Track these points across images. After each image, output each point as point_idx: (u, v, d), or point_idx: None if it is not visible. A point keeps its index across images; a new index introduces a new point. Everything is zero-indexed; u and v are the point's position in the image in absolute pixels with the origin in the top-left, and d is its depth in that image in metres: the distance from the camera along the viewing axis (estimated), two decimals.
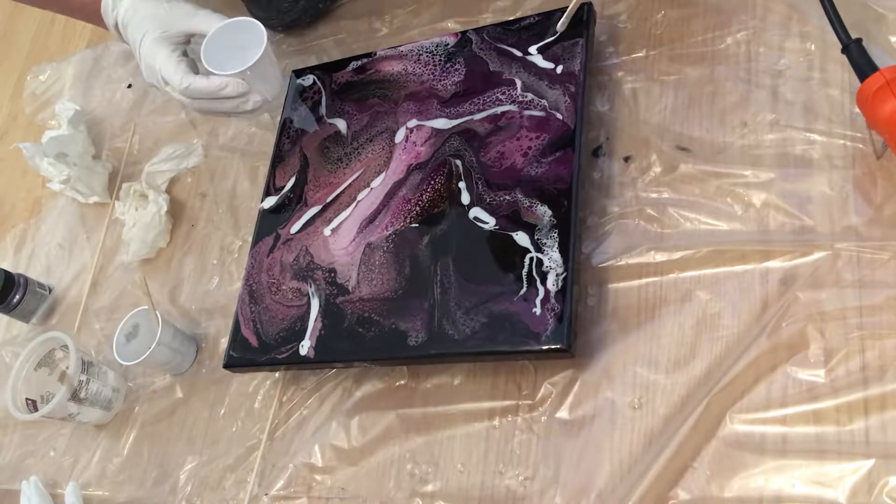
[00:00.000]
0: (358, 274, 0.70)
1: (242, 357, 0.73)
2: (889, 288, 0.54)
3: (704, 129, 0.66)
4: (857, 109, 0.60)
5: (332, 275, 0.72)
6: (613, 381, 0.61)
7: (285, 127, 0.84)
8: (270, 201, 0.80)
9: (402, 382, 0.69)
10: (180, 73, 0.73)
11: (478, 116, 0.72)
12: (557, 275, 0.61)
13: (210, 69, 0.73)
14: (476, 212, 0.67)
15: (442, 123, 0.74)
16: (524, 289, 0.62)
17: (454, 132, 0.72)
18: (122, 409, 0.84)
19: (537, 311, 0.60)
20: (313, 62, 0.90)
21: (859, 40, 0.58)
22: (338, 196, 0.76)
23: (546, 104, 0.69)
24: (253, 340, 0.73)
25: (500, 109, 0.71)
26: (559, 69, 0.70)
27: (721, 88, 0.67)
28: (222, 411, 0.78)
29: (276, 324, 0.72)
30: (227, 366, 0.74)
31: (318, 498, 0.69)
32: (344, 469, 0.68)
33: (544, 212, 0.64)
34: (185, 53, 0.76)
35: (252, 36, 0.74)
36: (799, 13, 0.67)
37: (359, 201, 0.74)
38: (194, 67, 0.75)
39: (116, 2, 0.78)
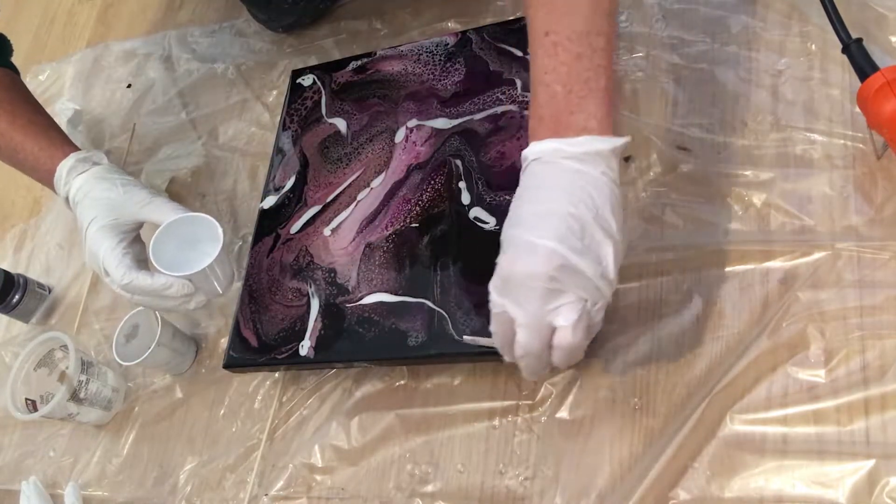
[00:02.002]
0: (358, 274, 0.70)
1: (242, 357, 0.73)
2: (889, 288, 0.54)
3: (705, 128, 0.66)
4: (857, 109, 0.60)
5: (332, 275, 0.72)
6: (613, 381, 0.61)
7: (285, 127, 0.84)
8: (270, 201, 0.80)
9: (402, 382, 0.69)
10: (123, 267, 0.68)
11: (478, 116, 0.72)
12: None
13: (157, 266, 0.69)
14: (476, 212, 0.67)
15: (442, 123, 0.74)
16: None
17: (454, 132, 0.72)
18: (122, 409, 0.84)
19: None
20: (313, 62, 0.90)
21: (860, 40, 0.58)
22: (338, 196, 0.76)
23: None
24: (253, 340, 0.73)
25: (500, 109, 0.71)
26: None
27: (721, 88, 0.67)
28: (222, 411, 0.78)
29: (276, 324, 0.72)
30: (227, 366, 0.74)
31: (318, 498, 0.68)
32: (344, 469, 0.68)
33: None
34: (133, 241, 0.72)
35: (208, 231, 0.71)
36: (799, 13, 0.67)
37: (359, 201, 0.74)
38: (139, 260, 0.71)
39: (70, 177, 0.74)
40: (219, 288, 0.72)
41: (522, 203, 0.51)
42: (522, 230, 0.50)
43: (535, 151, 0.51)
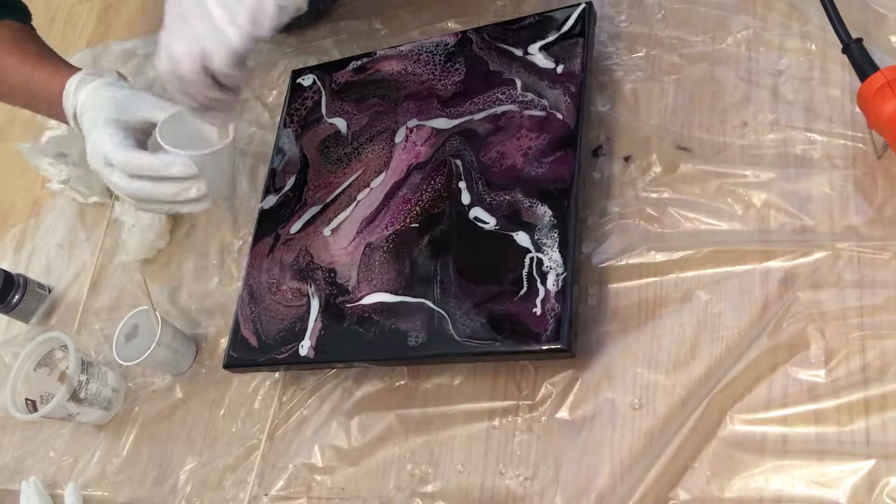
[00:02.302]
0: (358, 274, 0.70)
1: (242, 357, 0.73)
2: (889, 288, 0.54)
3: (705, 128, 0.66)
4: (857, 109, 0.59)
5: (332, 275, 0.72)
6: (613, 381, 0.61)
7: (285, 127, 0.84)
8: (270, 201, 0.80)
9: (402, 382, 0.69)
10: (123, 148, 0.66)
11: (478, 116, 0.72)
12: (557, 275, 0.61)
13: (161, 142, 0.66)
14: (476, 212, 0.67)
15: (442, 123, 0.74)
16: (524, 289, 0.62)
17: (454, 132, 0.72)
18: (122, 409, 0.84)
19: (537, 311, 0.60)
20: (313, 62, 0.90)
21: (860, 40, 0.58)
22: (338, 196, 0.76)
23: (546, 104, 0.69)
24: (253, 340, 0.73)
25: (500, 109, 0.71)
26: (559, 69, 0.70)
27: (721, 88, 0.67)
28: (222, 411, 0.78)
29: (275, 324, 0.72)
30: (226, 366, 0.74)
31: (318, 498, 0.68)
32: (344, 469, 0.68)
33: (544, 212, 0.64)
34: (139, 141, 0.69)
35: (222, 127, 0.68)
36: (799, 13, 0.67)
37: (359, 201, 0.74)
38: (142, 148, 0.69)
39: (79, 88, 0.72)
40: (221, 183, 0.69)
41: None
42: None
43: None
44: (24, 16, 0.85)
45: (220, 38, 0.57)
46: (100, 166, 0.68)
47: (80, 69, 0.75)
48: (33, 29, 0.85)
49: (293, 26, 0.96)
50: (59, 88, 0.74)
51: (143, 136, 0.71)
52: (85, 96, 0.72)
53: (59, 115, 0.75)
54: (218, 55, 0.58)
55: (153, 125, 0.69)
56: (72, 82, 0.73)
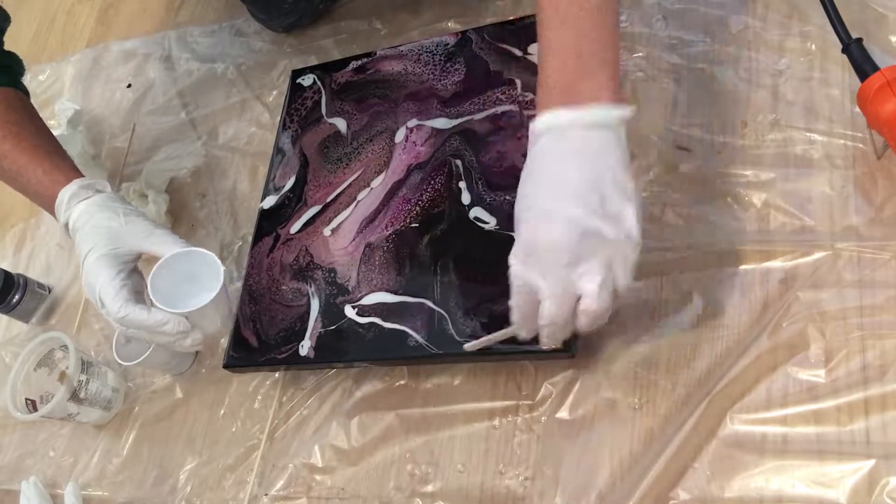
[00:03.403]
0: (358, 274, 0.70)
1: (242, 357, 0.73)
2: (889, 288, 0.54)
3: (705, 128, 0.66)
4: (857, 109, 0.59)
5: (332, 275, 0.72)
6: (613, 381, 0.61)
7: (285, 127, 0.84)
8: (270, 201, 0.80)
9: (402, 382, 0.69)
10: (119, 300, 0.66)
11: (478, 116, 0.72)
12: None
13: (154, 301, 0.67)
14: (476, 212, 0.67)
15: (442, 123, 0.74)
16: None
17: (454, 132, 0.72)
18: (122, 409, 0.84)
19: None
20: (313, 62, 0.90)
21: (860, 40, 0.58)
22: (338, 196, 0.76)
23: None
24: (253, 340, 0.73)
25: (500, 109, 0.71)
26: None
27: (721, 88, 0.67)
28: (222, 411, 0.78)
29: (275, 324, 0.72)
30: (226, 366, 0.74)
31: (318, 498, 0.68)
32: (344, 469, 0.68)
33: None
34: (132, 272, 0.70)
35: (207, 267, 0.69)
36: (799, 13, 0.67)
37: (359, 201, 0.74)
38: (136, 292, 0.69)
39: (70, 204, 0.72)
40: (217, 326, 0.70)
41: (536, 172, 0.50)
42: (541, 199, 0.49)
43: (547, 120, 0.50)
44: (16, 76, 0.83)
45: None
46: (94, 302, 0.69)
47: (75, 174, 0.74)
48: (26, 92, 0.83)
49: (293, 26, 0.96)
50: (51, 193, 0.74)
51: (135, 261, 0.72)
52: (77, 215, 0.72)
53: (50, 212, 0.75)
54: None
55: (144, 255, 0.71)
56: (64, 193, 0.72)
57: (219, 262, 0.68)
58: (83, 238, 0.70)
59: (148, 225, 0.71)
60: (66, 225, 0.73)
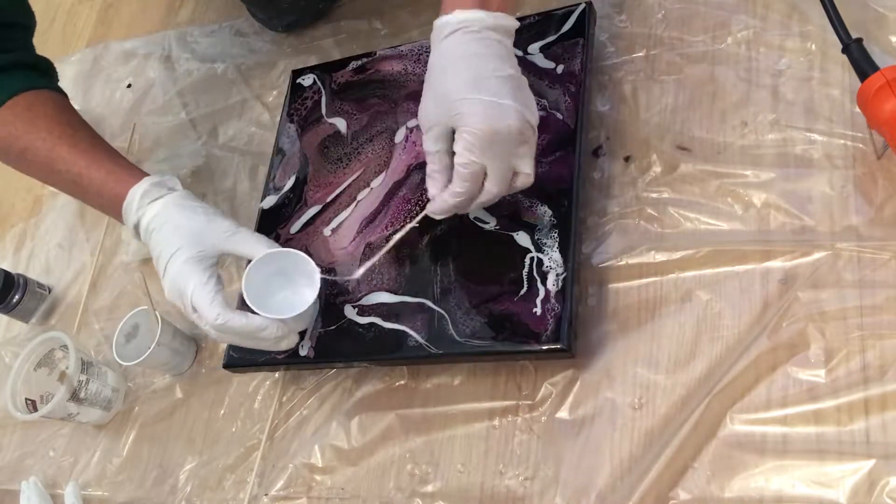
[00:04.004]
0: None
1: (242, 357, 0.73)
2: (889, 288, 0.54)
3: (705, 128, 0.66)
4: (857, 109, 0.59)
5: (332, 275, 0.72)
6: (614, 381, 0.61)
7: (285, 127, 0.84)
8: (270, 201, 0.80)
9: (402, 382, 0.69)
10: (217, 307, 0.63)
11: None
12: (558, 275, 0.61)
13: (252, 306, 0.64)
14: (476, 212, 0.67)
15: None
16: (524, 289, 0.62)
17: None
18: (122, 409, 0.84)
19: (538, 311, 0.60)
20: (313, 62, 0.90)
21: (860, 40, 0.58)
22: (338, 196, 0.76)
23: (546, 104, 0.69)
24: None
25: None
26: (559, 69, 0.70)
27: (721, 88, 0.67)
28: (222, 411, 0.78)
29: None
30: (226, 366, 0.74)
31: (318, 498, 0.68)
32: (344, 469, 0.68)
33: (544, 212, 0.64)
34: (218, 276, 0.66)
35: (297, 267, 0.67)
36: (799, 13, 0.67)
37: (359, 201, 0.74)
38: (220, 284, 0.66)
39: (143, 203, 0.68)
40: (309, 323, 0.69)
41: (464, 67, 0.57)
42: (484, 93, 0.56)
43: (462, 20, 0.58)
44: (56, 79, 0.82)
45: None
46: (184, 308, 0.66)
47: (141, 173, 0.71)
48: (64, 95, 0.80)
49: (293, 25, 0.96)
50: (118, 193, 0.70)
51: (219, 261, 0.69)
52: (153, 214, 0.68)
53: (113, 216, 0.72)
54: None
55: (230, 255, 0.68)
56: (135, 192, 0.69)
57: (312, 262, 0.66)
58: (164, 239, 0.67)
59: (230, 224, 0.68)
60: (137, 226, 0.70)
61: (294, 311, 0.65)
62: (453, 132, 0.58)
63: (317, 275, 0.66)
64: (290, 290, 0.67)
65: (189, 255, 0.65)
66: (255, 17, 0.99)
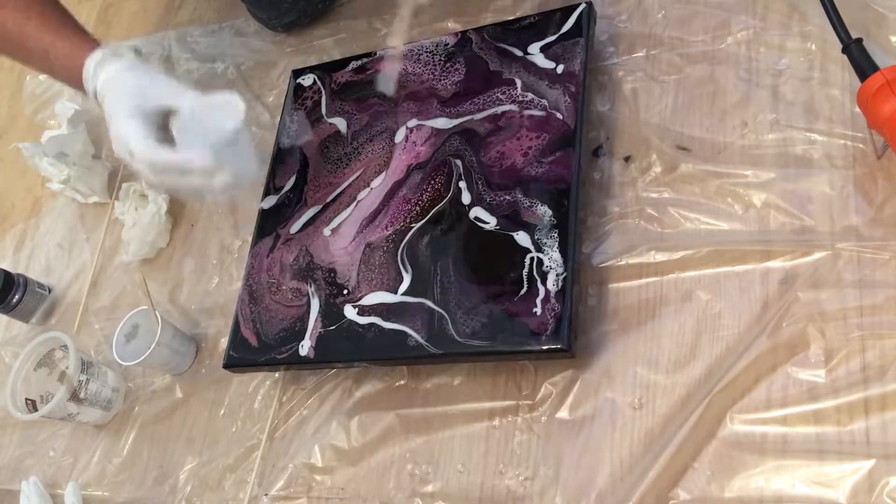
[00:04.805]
0: (358, 274, 0.70)
1: (242, 357, 0.73)
2: (889, 288, 0.54)
3: (705, 128, 0.66)
4: (857, 109, 0.60)
5: (332, 275, 0.72)
6: (614, 381, 0.61)
7: (285, 127, 0.84)
8: (270, 201, 0.80)
9: (402, 382, 0.69)
10: (149, 144, 0.67)
11: (478, 116, 0.72)
12: (558, 275, 0.61)
13: (176, 137, 0.68)
14: (476, 212, 0.67)
15: (442, 123, 0.74)
16: (524, 289, 0.62)
17: (454, 132, 0.72)
18: (122, 409, 0.84)
19: (537, 311, 0.60)
20: (313, 62, 0.90)
21: (860, 40, 0.58)
22: (338, 196, 0.76)
23: (546, 104, 0.69)
24: (253, 340, 0.73)
25: (500, 109, 0.71)
26: (559, 69, 0.70)
27: (721, 88, 0.67)
28: (222, 411, 0.78)
29: (275, 324, 0.72)
30: (226, 366, 0.74)
31: (318, 498, 0.68)
32: (344, 469, 0.68)
33: (544, 212, 0.64)
34: (161, 127, 0.70)
35: (230, 112, 0.68)
36: (799, 13, 0.67)
37: (359, 201, 0.74)
38: (165, 141, 0.69)
39: (98, 68, 0.72)
40: (244, 168, 0.69)
41: (126, 84, 0.69)
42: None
43: (102, 53, 0.70)
44: None
45: None
46: (125, 157, 0.69)
47: (98, 43, 0.75)
48: None
49: (293, 25, 0.96)
50: (78, 63, 0.74)
51: (163, 121, 0.71)
52: (104, 79, 0.72)
53: (78, 88, 0.76)
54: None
55: (170, 110, 0.70)
56: (91, 61, 0.73)
57: (238, 99, 0.68)
58: (111, 101, 0.71)
59: (173, 82, 0.71)
60: (94, 93, 0.73)
61: (221, 142, 0.66)
62: None
63: (239, 111, 0.68)
64: (224, 130, 0.68)
65: (130, 106, 0.69)
66: (254, 17, 0.99)
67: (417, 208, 0.70)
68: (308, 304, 0.71)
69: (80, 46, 0.74)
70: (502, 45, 0.74)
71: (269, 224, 0.79)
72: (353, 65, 0.83)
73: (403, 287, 0.67)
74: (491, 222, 0.66)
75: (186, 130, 0.68)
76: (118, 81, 0.71)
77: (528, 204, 0.65)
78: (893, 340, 0.53)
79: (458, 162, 0.70)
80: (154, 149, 0.67)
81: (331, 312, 0.70)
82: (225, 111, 0.68)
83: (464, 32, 0.77)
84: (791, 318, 0.56)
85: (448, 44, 0.78)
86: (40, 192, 1.08)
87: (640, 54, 0.72)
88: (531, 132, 0.68)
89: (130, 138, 0.68)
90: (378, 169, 0.75)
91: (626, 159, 0.68)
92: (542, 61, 0.71)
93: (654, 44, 0.72)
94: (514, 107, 0.70)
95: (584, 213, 0.66)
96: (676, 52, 0.70)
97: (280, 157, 0.82)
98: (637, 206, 0.65)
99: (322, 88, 0.84)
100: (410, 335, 0.65)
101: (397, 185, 0.73)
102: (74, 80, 0.75)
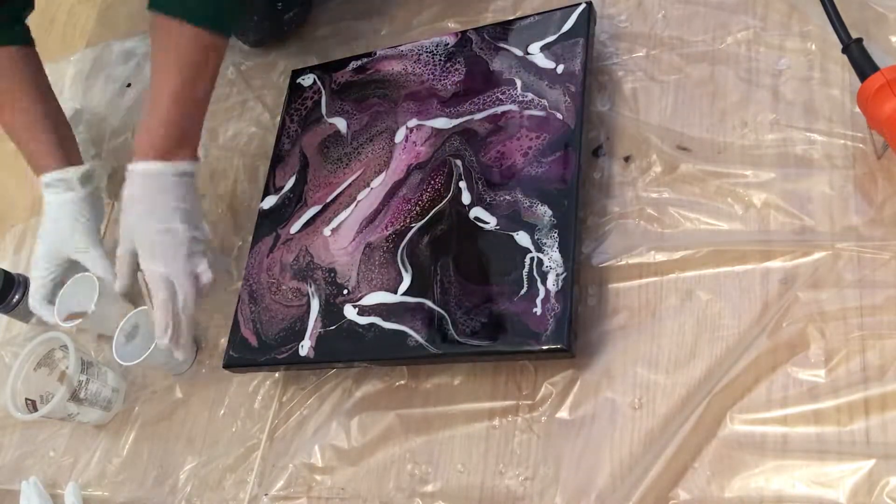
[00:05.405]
0: (358, 274, 0.70)
1: (242, 357, 0.73)
2: (889, 288, 0.54)
3: (705, 128, 0.66)
4: (857, 109, 0.59)
5: (332, 275, 0.72)
6: (613, 381, 0.61)
7: (285, 127, 0.84)
8: (270, 201, 0.80)
9: (402, 382, 0.69)
10: (36, 297, 0.83)
11: (478, 116, 0.72)
12: (558, 275, 0.61)
13: (57, 311, 0.83)
14: (476, 212, 0.67)
15: (442, 123, 0.74)
16: (524, 289, 0.62)
17: (454, 132, 0.72)
18: (122, 409, 0.84)
19: (538, 311, 0.60)
20: (313, 62, 0.90)
21: (860, 40, 0.58)
22: (338, 196, 0.76)
23: (546, 104, 0.69)
24: (253, 340, 0.73)
25: (500, 109, 0.71)
26: (559, 69, 0.70)
27: (721, 88, 0.67)
28: (222, 411, 0.78)
29: (275, 324, 0.72)
30: (226, 366, 0.74)
31: (318, 498, 0.68)
32: (344, 469, 0.68)
33: (544, 212, 0.64)
34: (65, 271, 0.84)
35: (90, 287, 0.83)
36: (799, 13, 0.67)
37: (359, 201, 0.74)
38: (55, 292, 0.84)
39: (46, 192, 0.83)
40: (106, 329, 0.83)
41: (141, 202, 0.72)
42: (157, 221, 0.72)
43: (143, 170, 0.72)
44: (23, 34, 0.87)
45: None
46: None
47: (50, 159, 0.83)
48: (32, 44, 0.88)
49: (258, 43, 0.98)
50: (38, 173, 0.84)
51: (70, 265, 0.84)
52: (46, 204, 0.83)
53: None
54: None
55: (76, 262, 0.83)
56: (44, 178, 0.83)
57: (94, 280, 0.82)
58: (40, 229, 0.83)
59: (88, 241, 0.82)
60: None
61: (72, 323, 0.82)
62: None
63: (95, 290, 0.82)
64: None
65: (43, 249, 0.82)
66: None
67: (417, 208, 0.70)
68: (308, 304, 0.71)
69: (40, 161, 0.84)
70: (502, 45, 0.74)
71: (269, 224, 0.79)
72: (353, 65, 0.83)
73: (403, 287, 0.67)
74: (491, 222, 0.66)
75: (67, 292, 0.84)
76: (47, 219, 0.83)
77: (528, 204, 0.65)
78: (893, 340, 0.53)
79: (458, 162, 0.70)
80: (36, 305, 0.83)
81: (331, 312, 0.70)
82: (87, 284, 0.83)
83: (464, 32, 0.77)
84: (791, 319, 0.56)
85: (448, 44, 0.78)
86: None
87: (640, 54, 0.72)
88: (531, 132, 0.68)
89: (31, 283, 0.84)
90: (378, 169, 0.75)
91: (626, 159, 0.68)
92: (542, 61, 0.71)
93: (654, 44, 0.72)
94: (514, 107, 0.70)
95: (584, 213, 0.66)
96: (676, 52, 0.70)
97: (280, 157, 0.82)
98: (637, 206, 0.65)
99: (322, 88, 0.84)
100: (410, 335, 0.65)
101: (397, 185, 0.73)
102: (28, 157, 0.86)
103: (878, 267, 0.55)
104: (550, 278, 0.61)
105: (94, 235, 0.84)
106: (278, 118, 0.86)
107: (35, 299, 0.83)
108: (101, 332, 0.89)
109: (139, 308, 0.81)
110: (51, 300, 0.83)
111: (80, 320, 0.84)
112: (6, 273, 0.93)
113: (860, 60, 0.57)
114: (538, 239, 0.63)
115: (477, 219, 0.67)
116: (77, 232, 0.82)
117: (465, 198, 0.68)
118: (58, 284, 0.84)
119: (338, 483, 0.68)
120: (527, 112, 0.69)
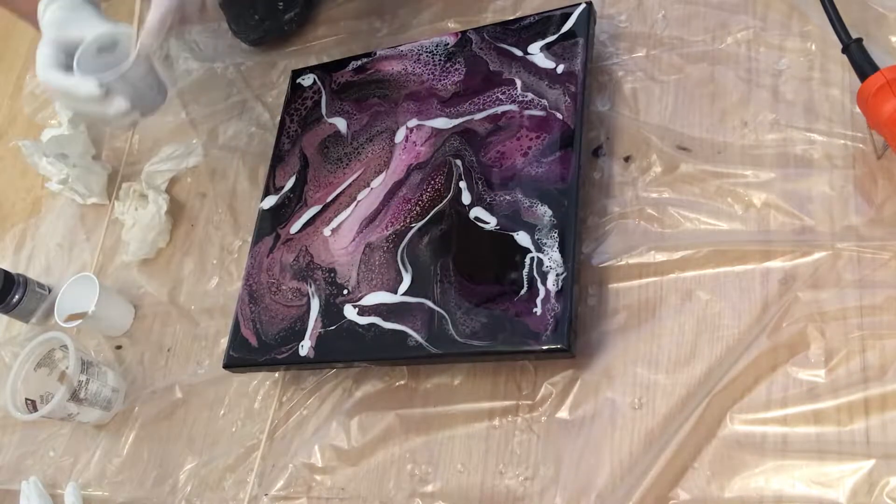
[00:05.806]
0: (358, 274, 0.70)
1: (242, 357, 0.73)
2: (890, 288, 0.54)
3: (705, 128, 0.66)
4: (857, 109, 0.60)
5: (332, 275, 0.72)
6: (613, 381, 0.61)
7: (285, 126, 0.84)
8: (270, 201, 0.80)
9: (402, 382, 0.69)
10: (47, 69, 0.71)
11: (478, 116, 0.72)
12: (558, 275, 0.61)
13: (75, 67, 0.70)
14: (476, 212, 0.67)
15: (442, 123, 0.74)
16: (524, 289, 0.62)
17: (454, 132, 0.72)
18: (122, 409, 0.84)
19: (538, 311, 0.60)
20: (313, 62, 0.90)
21: (860, 40, 0.58)
22: (338, 196, 0.76)
23: (546, 104, 0.69)
24: (253, 340, 0.73)
25: (500, 109, 0.71)
26: (559, 69, 0.70)
27: (721, 88, 0.67)
28: (222, 411, 0.78)
29: (275, 324, 0.72)
30: (226, 366, 0.74)
31: (318, 498, 0.69)
32: (344, 469, 0.68)
33: (544, 212, 0.64)
34: (71, 60, 0.72)
35: (125, 44, 0.71)
36: (799, 13, 0.67)
37: (359, 201, 0.74)
38: (67, 66, 0.72)
39: (45, 8, 0.76)
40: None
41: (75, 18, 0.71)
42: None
43: None
44: None
45: None
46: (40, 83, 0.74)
47: None
48: None
49: (259, 42, 0.98)
50: (33, 5, 0.77)
51: (79, 45, 0.74)
52: (48, 16, 0.75)
53: (36, 28, 0.78)
54: None
55: (82, 40, 0.73)
56: (41, 3, 0.76)
57: (95, 281, 0.82)
58: (42, 31, 0.75)
59: (93, 16, 0.74)
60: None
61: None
62: None
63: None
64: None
65: (48, 38, 0.74)
66: (229, 28, 1.00)
67: (417, 208, 0.70)
68: (308, 304, 0.71)
69: None
70: (502, 45, 0.74)
71: (269, 224, 0.79)
72: (353, 65, 0.83)
73: (403, 287, 0.67)
74: (491, 222, 0.66)
75: (84, 59, 0.71)
76: (52, 17, 0.75)
77: (528, 204, 0.65)
78: (893, 340, 0.53)
79: (458, 162, 0.70)
80: (49, 73, 0.71)
81: (331, 312, 0.70)
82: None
83: (464, 32, 0.77)
84: (791, 319, 0.56)
85: (448, 44, 0.78)
86: (40, 191, 1.08)
87: (640, 54, 0.72)
88: (531, 132, 0.68)
89: (37, 63, 0.72)
90: (378, 169, 0.75)
91: (626, 159, 0.68)
92: (542, 61, 0.71)
93: (654, 44, 0.72)
94: (514, 107, 0.70)
95: (584, 213, 0.66)
96: (676, 52, 0.71)
97: (280, 157, 0.82)
98: (637, 206, 0.65)
99: (322, 88, 0.84)
100: (410, 335, 0.65)
101: (397, 185, 0.73)
102: (32, 20, 0.78)
103: (878, 267, 0.55)
104: (550, 278, 0.61)
105: (98, 14, 0.75)
106: (278, 118, 0.86)
107: (41, 70, 0.72)
108: (102, 332, 0.88)
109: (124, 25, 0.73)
110: (62, 68, 0.71)
111: (81, 321, 0.84)
112: (6, 273, 0.93)
113: (860, 60, 0.57)
114: (538, 239, 0.63)
115: (477, 219, 0.67)
116: (72, 14, 0.74)
117: (465, 198, 0.68)
118: (63, 59, 0.72)
119: (338, 483, 0.68)
120: (527, 112, 0.69)
